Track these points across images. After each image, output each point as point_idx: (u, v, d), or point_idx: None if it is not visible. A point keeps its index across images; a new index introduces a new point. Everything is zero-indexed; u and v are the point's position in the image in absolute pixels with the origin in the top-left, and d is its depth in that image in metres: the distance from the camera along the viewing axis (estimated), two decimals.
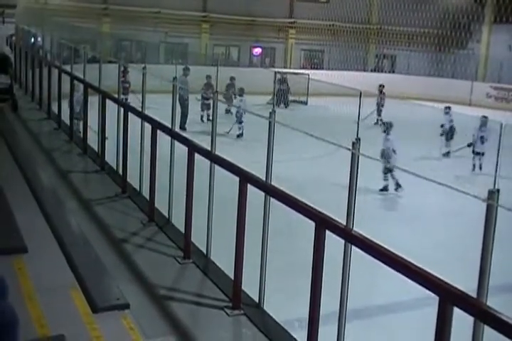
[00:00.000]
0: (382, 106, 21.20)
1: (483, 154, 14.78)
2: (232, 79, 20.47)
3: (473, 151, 15.11)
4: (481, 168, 14.77)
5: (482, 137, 14.92)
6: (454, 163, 15.32)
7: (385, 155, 11.95)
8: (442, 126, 16.71)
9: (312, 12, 30.82)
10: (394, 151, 12.15)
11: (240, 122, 17.15)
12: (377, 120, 20.50)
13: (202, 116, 19.08)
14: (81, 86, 11.42)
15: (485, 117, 14.81)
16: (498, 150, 3.79)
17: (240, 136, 17.25)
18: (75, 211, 7.72)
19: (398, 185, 11.92)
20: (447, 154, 16.34)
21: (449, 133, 16.53)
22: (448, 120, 16.67)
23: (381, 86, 22.05)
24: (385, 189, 12.07)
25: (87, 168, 10.09)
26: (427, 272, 3.56)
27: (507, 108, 26.00)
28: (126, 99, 18.34)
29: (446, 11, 30.00)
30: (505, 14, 26.07)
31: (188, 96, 17.65)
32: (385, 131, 12.85)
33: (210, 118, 18.11)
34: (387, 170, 11.75)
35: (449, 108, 16.67)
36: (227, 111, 18.95)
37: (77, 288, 4.95)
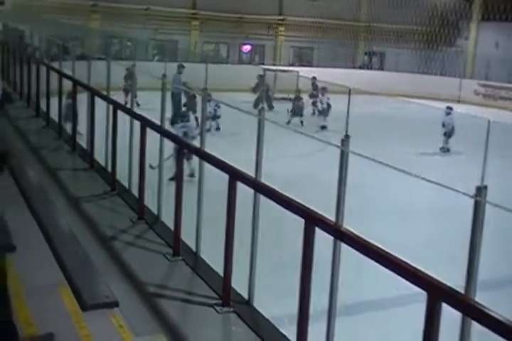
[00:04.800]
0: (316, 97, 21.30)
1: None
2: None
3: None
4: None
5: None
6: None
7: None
8: (444, 125, 17.18)
9: (301, 9, 30.83)
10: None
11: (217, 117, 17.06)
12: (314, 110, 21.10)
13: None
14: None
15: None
16: (486, 146, 3.82)
17: (217, 129, 17.22)
18: (64, 209, 7.68)
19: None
20: (447, 150, 17.20)
21: (447, 132, 17.20)
22: (449, 120, 17.08)
23: (314, 78, 21.61)
24: None
25: (76, 165, 10.04)
26: (415, 268, 3.58)
27: (495, 105, 26.16)
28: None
29: (435, 8, 30.11)
30: (492, 12, 26.23)
31: (181, 93, 17.57)
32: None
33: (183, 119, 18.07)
34: None
35: (451, 108, 16.85)
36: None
37: (65, 286, 4.92)
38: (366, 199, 10.35)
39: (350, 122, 4.71)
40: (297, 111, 19.84)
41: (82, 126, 10.42)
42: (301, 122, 19.33)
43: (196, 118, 15.12)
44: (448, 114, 16.90)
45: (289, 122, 18.46)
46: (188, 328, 5.02)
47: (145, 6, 28.79)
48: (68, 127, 11.62)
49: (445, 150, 17.21)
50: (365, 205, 9.83)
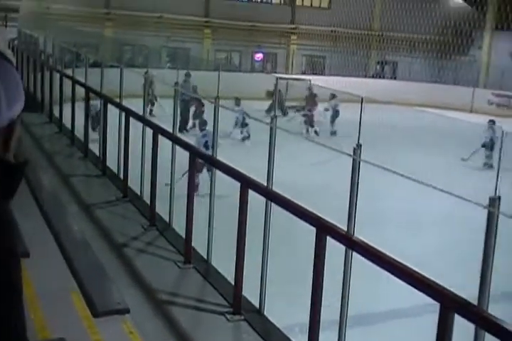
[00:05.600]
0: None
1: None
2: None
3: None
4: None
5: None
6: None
7: None
8: (489, 140, 16.43)
9: (314, 18, 30.89)
10: None
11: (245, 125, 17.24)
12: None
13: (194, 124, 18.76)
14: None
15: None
16: (500, 156, 3.80)
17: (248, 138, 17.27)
18: (77, 215, 7.72)
19: None
20: (490, 166, 16.15)
21: (489, 146, 16.40)
22: (490, 134, 16.30)
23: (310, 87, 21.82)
24: None
25: (88, 172, 10.10)
26: (428, 279, 3.56)
27: (508, 115, 26.00)
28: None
29: (448, 17, 30.07)
30: (506, 21, 26.12)
31: (189, 100, 17.67)
32: None
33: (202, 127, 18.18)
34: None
35: (493, 122, 16.49)
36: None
37: (77, 292, 4.95)
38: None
39: (369, 132, 4.70)
40: (309, 121, 19.97)
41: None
42: (316, 132, 19.39)
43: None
44: (490, 127, 16.27)
45: (307, 131, 18.75)
46: (199, 336, 5.01)
47: (158, 14, 29.00)
48: (94, 135, 11.31)
49: (489, 165, 16.04)
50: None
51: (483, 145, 16.49)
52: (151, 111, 19.77)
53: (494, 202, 3.64)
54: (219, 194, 6.70)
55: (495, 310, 3.39)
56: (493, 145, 16.18)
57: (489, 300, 3.56)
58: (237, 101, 17.72)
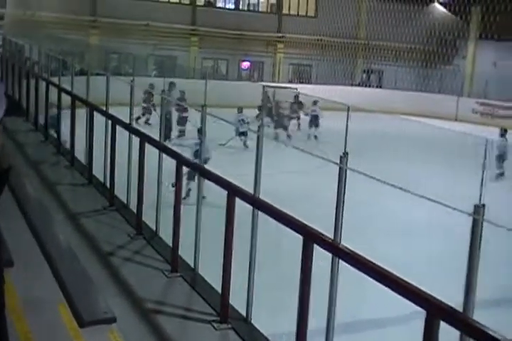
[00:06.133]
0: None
1: None
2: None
3: None
4: None
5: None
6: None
7: None
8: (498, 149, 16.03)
9: (300, 27, 31.09)
10: None
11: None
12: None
13: (180, 131, 18.65)
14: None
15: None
16: (484, 165, 3.84)
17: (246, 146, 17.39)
18: (62, 224, 7.67)
19: None
20: (502, 175, 16.15)
21: (502, 156, 16.15)
22: (504, 143, 16.12)
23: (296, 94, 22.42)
24: None
25: (74, 180, 10.04)
26: (414, 287, 3.58)
27: (492, 124, 26.28)
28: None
29: (433, 27, 30.41)
30: (490, 31, 26.47)
31: (172, 110, 17.70)
32: None
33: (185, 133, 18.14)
34: None
35: (506, 131, 16.34)
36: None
37: (63, 302, 4.91)
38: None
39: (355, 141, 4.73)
40: (279, 125, 20.27)
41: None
42: (288, 136, 19.67)
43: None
44: (502, 136, 16.16)
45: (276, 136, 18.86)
46: None
47: (144, 22, 29.02)
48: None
49: (500, 174, 16.01)
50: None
51: (498, 156, 16.02)
52: (147, 119, 19.83)
53: (479, 209, 3.68)
54: (211, 201, 6.69)
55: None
56: (504, 156, 15.94)
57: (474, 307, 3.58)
58: (240, 109, 17.88)
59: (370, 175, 4.51)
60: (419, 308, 3.48)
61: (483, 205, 3.67)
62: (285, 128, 20.26)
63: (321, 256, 4.48)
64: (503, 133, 16.28)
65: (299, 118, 22.20)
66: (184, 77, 23.89)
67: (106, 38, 27.42)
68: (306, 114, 21.64)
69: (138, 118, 16.91)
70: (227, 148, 17.34)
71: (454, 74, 29.71)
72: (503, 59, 29.28)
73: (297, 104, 22.30)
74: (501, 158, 16.04)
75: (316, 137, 20.39)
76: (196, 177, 9.88)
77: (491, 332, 3.05)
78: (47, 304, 5.02)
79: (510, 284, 8.18)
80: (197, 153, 10.56)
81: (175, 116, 18.34)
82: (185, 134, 17.80)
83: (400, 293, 3.67)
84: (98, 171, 9.62)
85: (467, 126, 22.72)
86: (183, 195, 8.40)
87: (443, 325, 3.33)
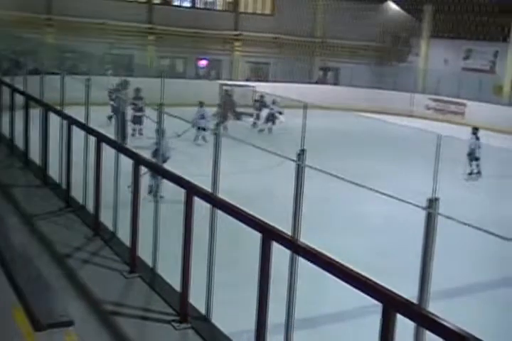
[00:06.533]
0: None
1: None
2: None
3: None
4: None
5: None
6: None
7: None
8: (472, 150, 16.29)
9: (257, 25, 31.12)
10: None
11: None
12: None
13: (134, 130, 17.97)
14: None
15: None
16: (437, 159, 3.92)
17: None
18: (17, 226, 7.51)
19: None
20: (478, 173, 16.17)
21: (472, 154, 16.25)
22: (474, 142, 16.27)
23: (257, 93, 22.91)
24: None
25: (28, 182, 9.83)
26: (370, 280, 3.64)
27: (445, 119, 26.87)
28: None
29: (387, 25, 30.84)
30: (440, 29, 27.03)
31: (126, 109, 17.33)
32: None
33: (142, 132, 17.78)
34: None
35: (477, 129, 16.53)
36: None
37: (19, 307, 4.81)
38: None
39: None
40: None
41: None
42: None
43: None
44: (474, 134, 16.26)
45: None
46: None
47: (100, 20, 28.56)
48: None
49: (475, 173, 16.03)
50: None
51: (469, 154, 16.16)
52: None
53: (432, 203, 3.75)
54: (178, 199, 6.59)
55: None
56: (475, 154, 16.10)
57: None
58: (201, 104, 17.78)
59: (329, 172, 4.55)
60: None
61: (437, 199, 3.75)
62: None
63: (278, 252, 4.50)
64: (475, 131, 16.58)
65: (258, 116, 22.34)
66: (141, 75, 23.61)
67: (61, 37, 26.84)
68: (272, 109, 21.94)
69: (110, 117, 16.47)
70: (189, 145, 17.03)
71: (407, 72, 30.22)
72: (453, 56, 29.96)
73: (259, 102, 22.47)
74: (472, 155, 16.26)
75: (270, 130, 21.17)
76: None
77: (445, 323, 3.13)
78: (1, 308, 4.91)
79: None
80: (156, 153, 10.46)
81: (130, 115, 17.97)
82: (143, 133, 17.56)
83: (357, 287, 3.73)
84: (53, 172, 9.45)
85: (422, 122, 23.15)
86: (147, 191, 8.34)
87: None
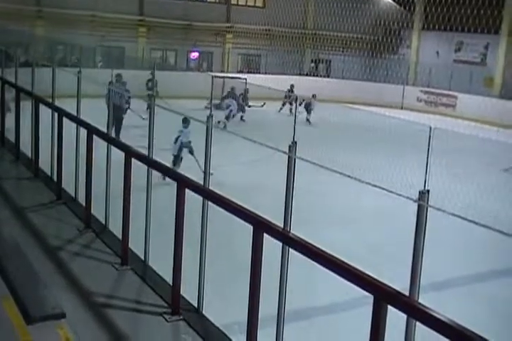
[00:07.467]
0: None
1: None
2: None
3: None
4: None
5: None
6: None
7: None
8: None
9: (249, 17, 31.03)
10: None
11: None
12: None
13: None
14: None
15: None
16: (428, 152, 3.94)
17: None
18: (8, 219, 7.48)
19: None
20: None
21: None
22: None
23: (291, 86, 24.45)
24: None
25: (19, 174, 9.79)
26: (361, 272, 3.65)
27: (436, 112, 26.95)
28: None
29: (378, 17, 30.80)
30: (432, 22, 27.03)
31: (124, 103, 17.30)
32: None
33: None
34: None
35: None
36: None
37: (10, 299, 4.80)
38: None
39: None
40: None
41: None
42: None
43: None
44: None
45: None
46: (138, 338, 4.96)
47: (91, 12, 28.37)
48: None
49: None
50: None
51: None
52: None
53: (424, 195, 3.77)
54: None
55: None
56: None
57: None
58: (186, 122, 17.56)
59: (320, 164, 4.56)
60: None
61: (428, 191, 3.77)
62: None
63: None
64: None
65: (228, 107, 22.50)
66: (132, 68, 23.50)
67: (52, 29, 26.63)
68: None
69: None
70: None
71: (399, 64, 30.24)
72: (445, 49, 30.00)
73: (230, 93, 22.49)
74: None
75: (241, 118, 21.23)
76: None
77: (436, 314, 3.15)
78: None
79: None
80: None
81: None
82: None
83: (348, 279, 3.74)
84: (45, 165, 9.41)
85: (413, 114, 23.21)
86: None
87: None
